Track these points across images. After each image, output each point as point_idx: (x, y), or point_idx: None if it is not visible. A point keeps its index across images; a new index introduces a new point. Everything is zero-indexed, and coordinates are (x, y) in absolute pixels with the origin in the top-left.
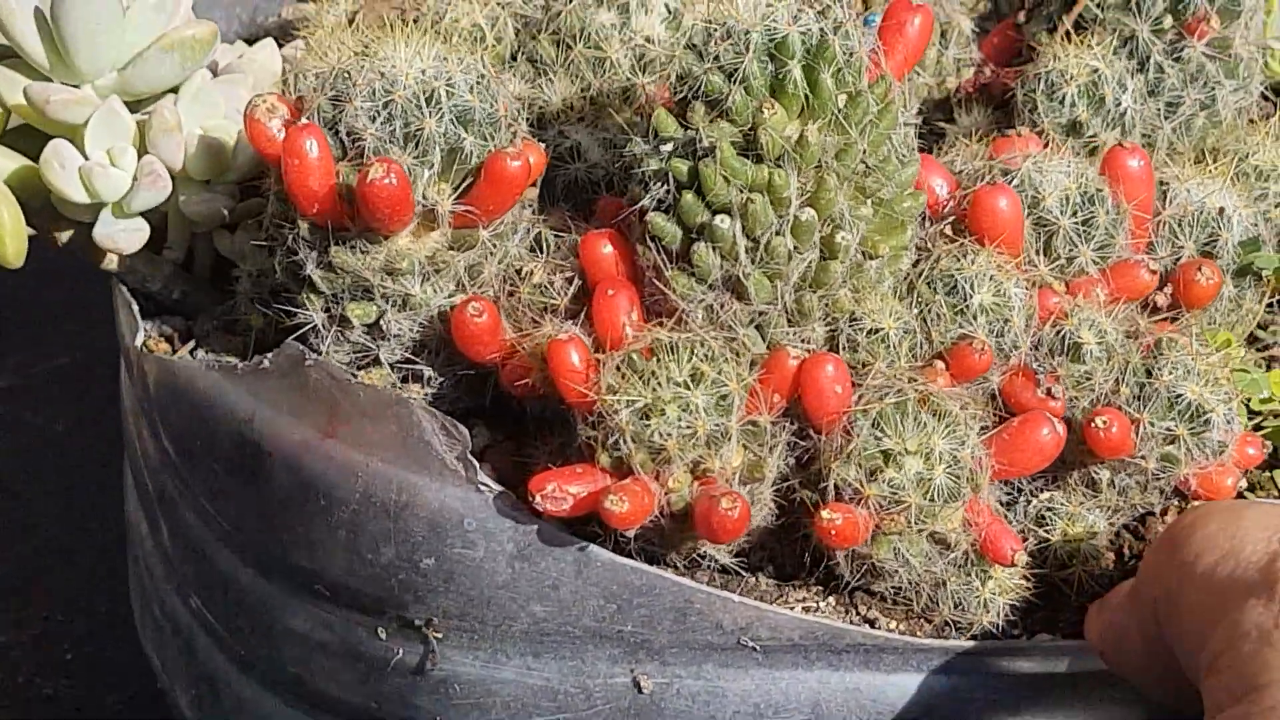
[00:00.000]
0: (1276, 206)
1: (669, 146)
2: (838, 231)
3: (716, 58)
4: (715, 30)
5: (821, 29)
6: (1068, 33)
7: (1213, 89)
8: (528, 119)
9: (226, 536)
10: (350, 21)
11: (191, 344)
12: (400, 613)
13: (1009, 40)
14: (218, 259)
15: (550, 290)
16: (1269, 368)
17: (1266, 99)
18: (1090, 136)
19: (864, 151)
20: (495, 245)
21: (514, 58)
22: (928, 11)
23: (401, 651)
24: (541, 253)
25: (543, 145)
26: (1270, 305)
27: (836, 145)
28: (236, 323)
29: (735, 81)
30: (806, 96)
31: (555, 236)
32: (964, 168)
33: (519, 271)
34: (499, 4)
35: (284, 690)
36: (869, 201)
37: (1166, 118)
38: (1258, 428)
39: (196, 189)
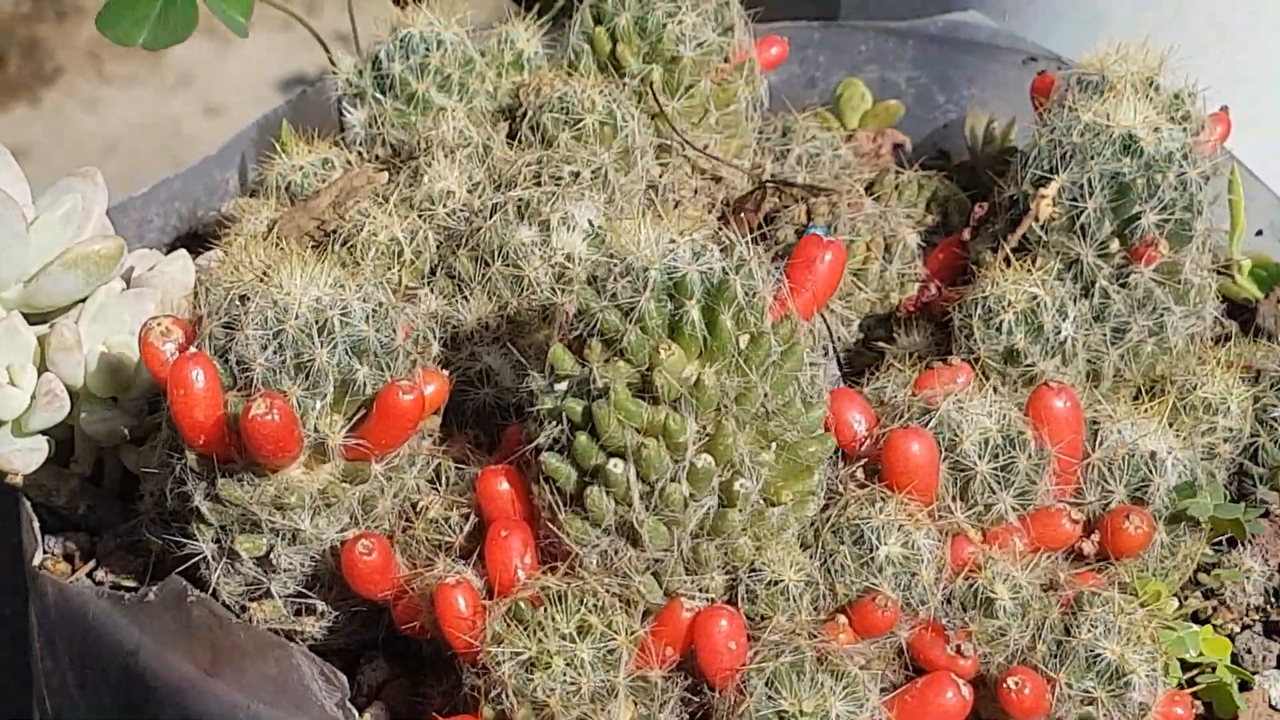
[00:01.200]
0: (1225, 441)
1: (564, 385)
2: (737, 478)
3: (614, 295)
4: (614, 266)
5: (723, 267)
6: (1009, 255)
7: (1161, 315)
8: (442, 338)
9: None
10: (269, 231)
11: (92, 564)
12: None
13: (954, 257)
14: (127, 473)
15: (446, 527)
16: (1213, 613)
17: (1222, 322)
18: (1028, 365)
19: (766, 394)
20: (390, 478)
21: (433, 272)
22: (839, 249)
23: None
24: (441, 485)
25: (450, 369)
26: (1218, 544)
27: (736, 388)
28: (138, 543)
29: (632, 320)
30: (705, 337)
31: (456, 469)
32: (892, 397)
33: (415, 506)
34: (421, 216)
35: None
36: (772, 446)
37: (1113, 344)
38: (1191, 682)
39: (98, 406)
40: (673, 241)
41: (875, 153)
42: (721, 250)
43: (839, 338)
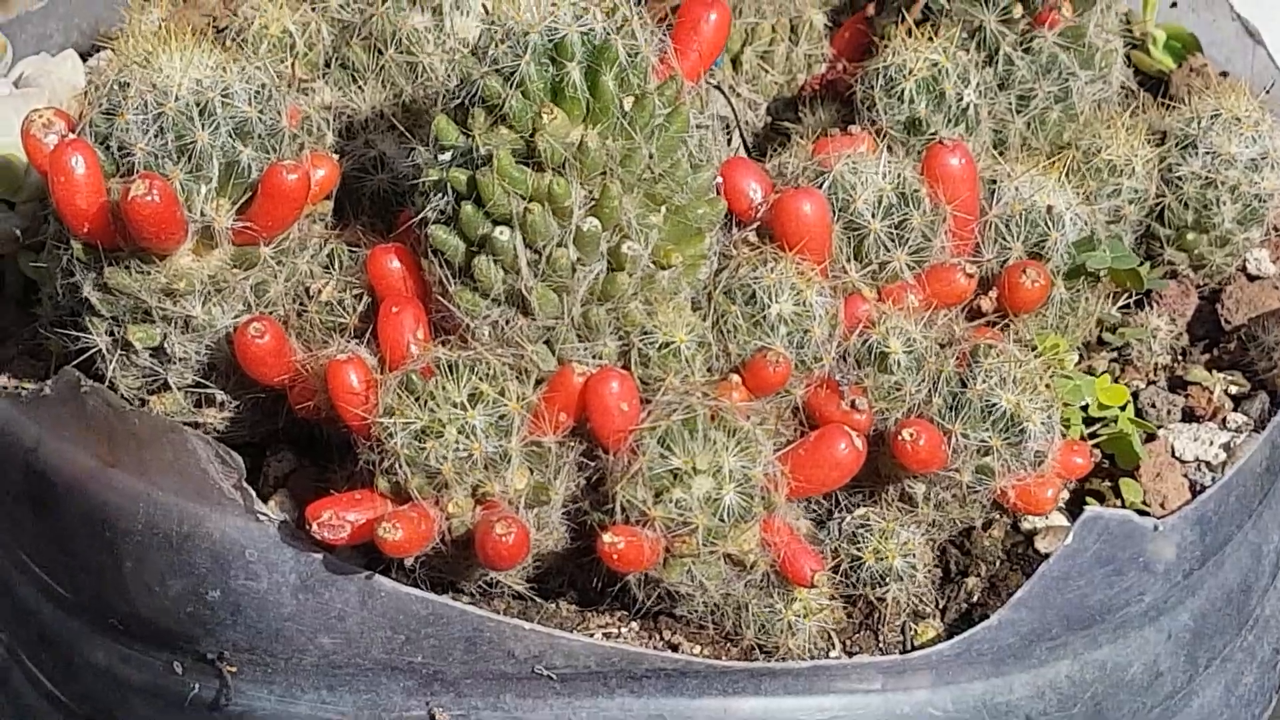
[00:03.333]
0: (1131, 202)
1: (448, 155)
2: (625, 241)
3: (495, 61)
4: (495, 32)
5: (605, 29)
6: (913, 26)
7: (1066, 81)
8: (337, 128)
9: (25, 569)
10: (160, 29)
11: None
12: (193, 646)
13: (860, 35)
14: (27, 280)
15: (339, 309)
16: (1121, 372)
17: (1134, 92)
18: (931, 134)
19: (651, 157)
20: (281, 263)
21: (328, 64)
22: (724, 7)
23: (198, 686)
24: (335, 269)
25: (345, 157)
26: (1125, 307)
27: (621, 150)
28: (39, 347)
29: (513, 86)
30: (588, 100)
31: (349, 252)
32: (794, 171)
33: (308, 290)
34: (314, 8)
35: None
36: (660, 209)
37: (1018, 112)
38: (1094, 435)
39: None
40: (554, 5)
41: None
42: (604, 13)
43: (747, 121)
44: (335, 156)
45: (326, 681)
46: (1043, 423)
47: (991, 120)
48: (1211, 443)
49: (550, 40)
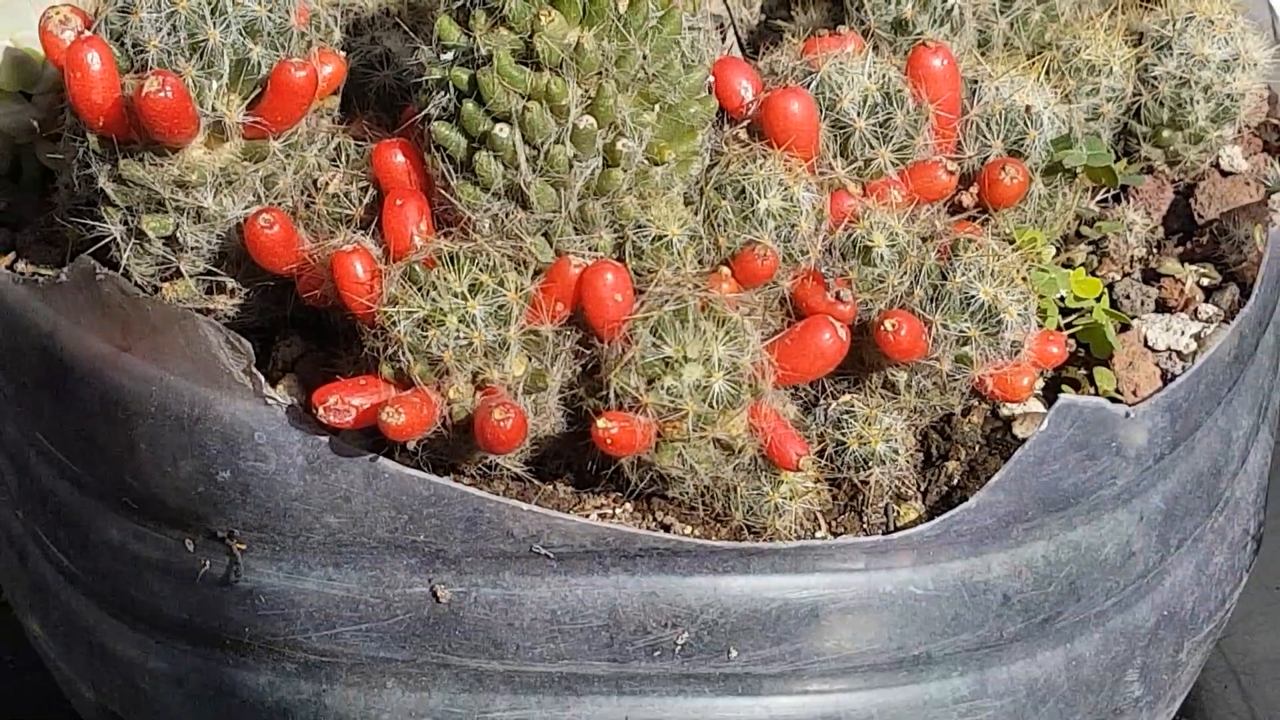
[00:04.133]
0: (1109, 101)
1: (450, 55)
2: (619, 138)
3: None
4: None
5: None
6: None
7: None
8: (344, 25)
9: (42, 450)
10: None
11: (12, 256)
12: (204, 525)
13: None
14: (45, 170)
15: (346, 200)
16: (1098, 265)
17: None
18: (917, 35)
19: (645, 58)
20: (290, 155)
21: None
22: None
23: (208, 563)
24: (341, 163)
25: (352, 54)
26: (1103, 201)
27: (616, 52)
28: (56, 234)
29: None
30: (584, 4)
31: (356, 146)
32: (784, 69)
33: (316, 182)
34: None
35: (106, 602)
36: (654, 108)
37: (1002, 12)
38: (1069, 326)
39: (7, 100)
40: None
41: None
42: None
43: (741, 19)
44: (342, 53)
45: (333, 559)
46: (1019, 314)
47: (976, 21)
48: (1183, 333)
49: None
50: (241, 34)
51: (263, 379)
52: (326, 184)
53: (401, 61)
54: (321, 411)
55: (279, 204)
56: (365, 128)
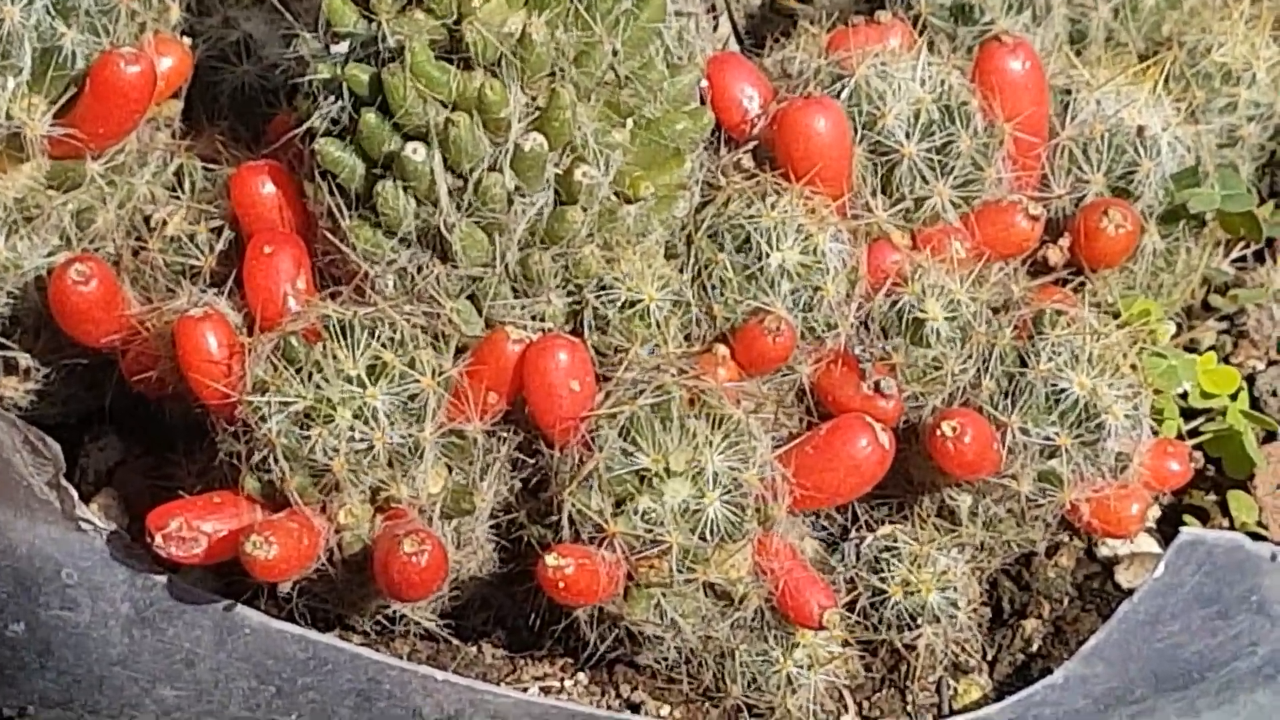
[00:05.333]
0: (1251, 120)
1: (344, 46)
2: (578, 165)
3: None
4: None
5: None
6: None
7: None
8: (187, 3)
9: None
10: None
11: None
12: None
13: None
14: None
15: (191, 246)
16: (1233, 348)
17: None
18: (986, 24)
19: (615, 54)
20: (113, 183)
21: None
22: None
23: None
24: (184, 192)
25: (197, 40)
26: (1241, 260)
27: (576, 45)
28: None
29: None
30: None
31: (204, 170)
32: (801, 68)
33: (149, 220)
34: None
35: None
36: (626, 122)
37: None
38: (1194, 433)
39: None
40: None
41: None
42: None
43: (739, 2)
44: (186, 41)
45: None
46: (1126, 415)
47: (1067, 7)
48: None
49: None
50: (49, 13)
51: (75, 495)
52: (164, 223)
53: (269, 53)
54: (159, 540)
55: (97, 250)
56: (218, 145)
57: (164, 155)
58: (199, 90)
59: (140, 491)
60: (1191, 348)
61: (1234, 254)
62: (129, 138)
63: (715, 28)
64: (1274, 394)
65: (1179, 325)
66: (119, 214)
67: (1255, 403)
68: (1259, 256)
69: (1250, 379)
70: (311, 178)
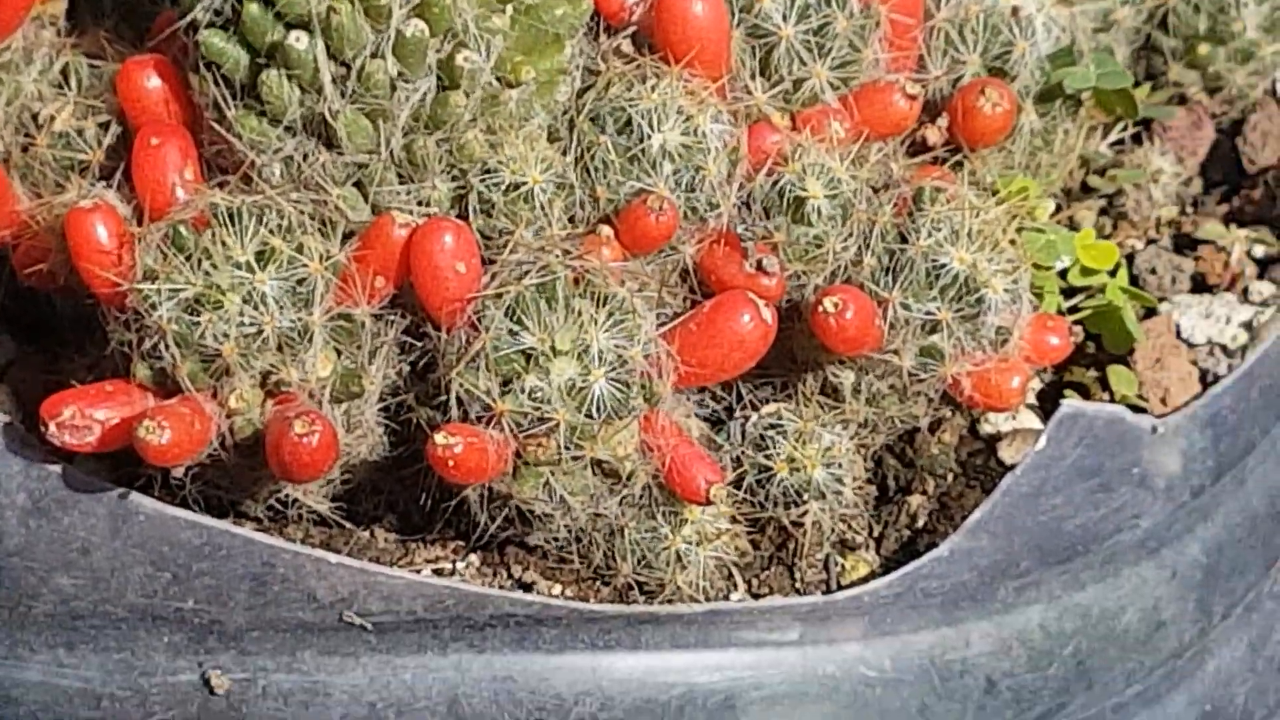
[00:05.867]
0: (1124, 3)
1: None
2: (460, 50)
3: None
4: None
5: None
6: None
7: None
8: None
9: None
10: None
11: None
12: None
13: None
14: None
15: (79, 140)
16: (1113, 229)
17: None
18: None
19: None
20: (0, 80)
21: None
22: None
23: None
24: (72, 89)
25: None
26: (1119, 142)
27: None
28: None
29: None
30: None
31: (90, 67)
32: None
33: (36, 117)
34: None
35: None
36: (506, 8)
37: None
38: (1075, 310)
39: None
40: None
41: None
42: None
43: None
44: None
45: (64, 637)
46: (1006, 289)
47: None
48: (1229, 320)
49: None
50: None
51: None
52: (52, 119)
53: None
54: (53, 430)
55: None
56: (104, 41)
57: (50, 53)
58: None
59: (35, 387)
60: (1071, 225)
61: (1112, 137)
62: (14, 36)
63: None
64: (1152, 271)
65: (1058, 204)
66: (6, 111)
67: (1135, 280)
68: (1137, 139)
69: (1130, 258)
70: (196, 70)
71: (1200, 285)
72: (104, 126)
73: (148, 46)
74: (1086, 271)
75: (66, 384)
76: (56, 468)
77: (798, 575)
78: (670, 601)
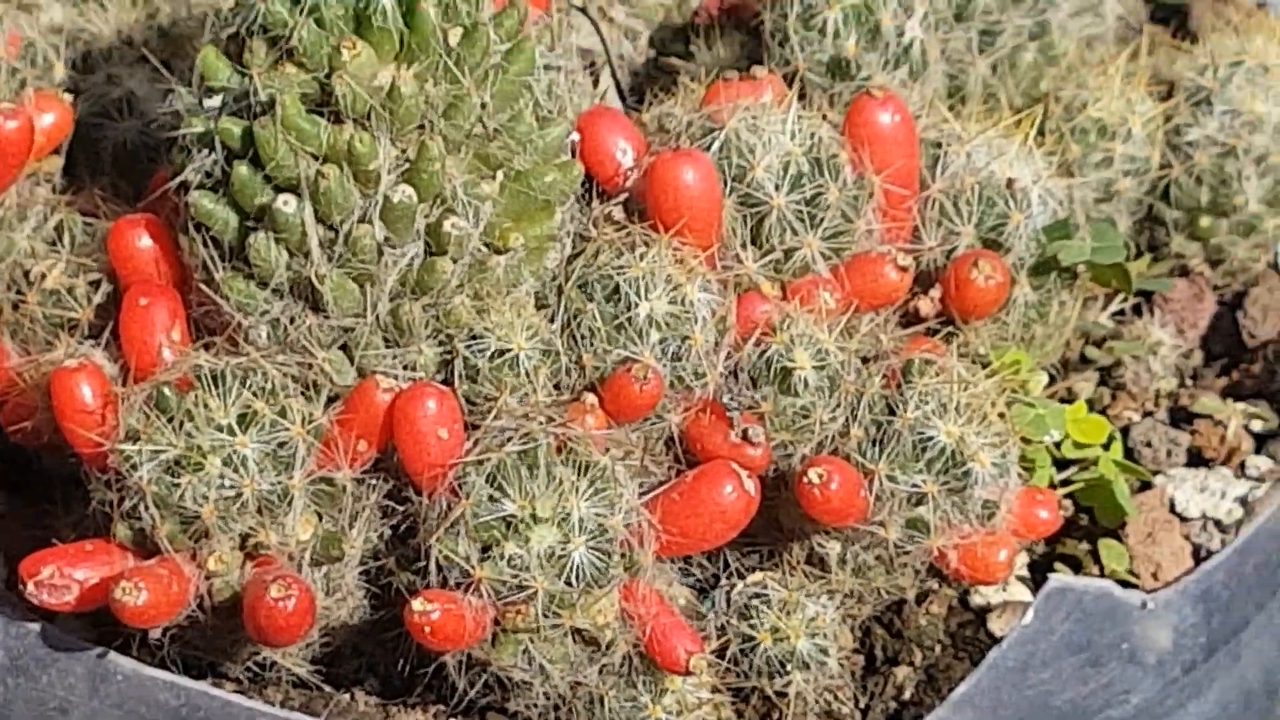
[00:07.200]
0: (1127, 174)
1: (217, 100)
2: (448, 216)
3: None
4: None
5: None
6: None
7: (1044, 12)
8: (69, 57)
9: None
10: None
11: None
12: None
13: None
14: None
15: (69, 299)
16: (1111, 400)
17: (1132, 27)
18: (863, 79)
19: (485, 107)
20: None
21: None
22: None
23: None
24: (64, 247)
25: (79, 97)
26: (1120, 313)
27: (445, 98)
28: None
29: (303, 10)
30: (402, 31)
31: (84, 225)
32: (677, 124)
33: (28, 274)
34: None
35: None
36: (496, 175)
37: (981, 51)
38: (1067, 482)
39: None
40: None
41: None
42: None
43: (621, 55)
44: (68, 96)
45: None
46: (994, 463)
47: (945, 63)
48: (1224, 494)
49: None
50: None
51: None
52: (43, 276)
53: (149, 109)
54: (31, 588)
55: None
56: (98, 200)
57: (44, 210)
58: (81, 145)
59: (19, 542)
60: (1069, 399)
61: (1112, 307)
62: (8, 192)
63: (595, 82)
64: (1148, 444)
65: (1053, 376)
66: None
67: (1130, 452)
68: (1137, 310)
69: (1125, 430)
70: (187, 230)
71: (1197, 459)
72: (95, 284)
73: (141, 205)
74: (1079, 445)
75: (50, 540)
76: (36, 626)
77: None
78: None
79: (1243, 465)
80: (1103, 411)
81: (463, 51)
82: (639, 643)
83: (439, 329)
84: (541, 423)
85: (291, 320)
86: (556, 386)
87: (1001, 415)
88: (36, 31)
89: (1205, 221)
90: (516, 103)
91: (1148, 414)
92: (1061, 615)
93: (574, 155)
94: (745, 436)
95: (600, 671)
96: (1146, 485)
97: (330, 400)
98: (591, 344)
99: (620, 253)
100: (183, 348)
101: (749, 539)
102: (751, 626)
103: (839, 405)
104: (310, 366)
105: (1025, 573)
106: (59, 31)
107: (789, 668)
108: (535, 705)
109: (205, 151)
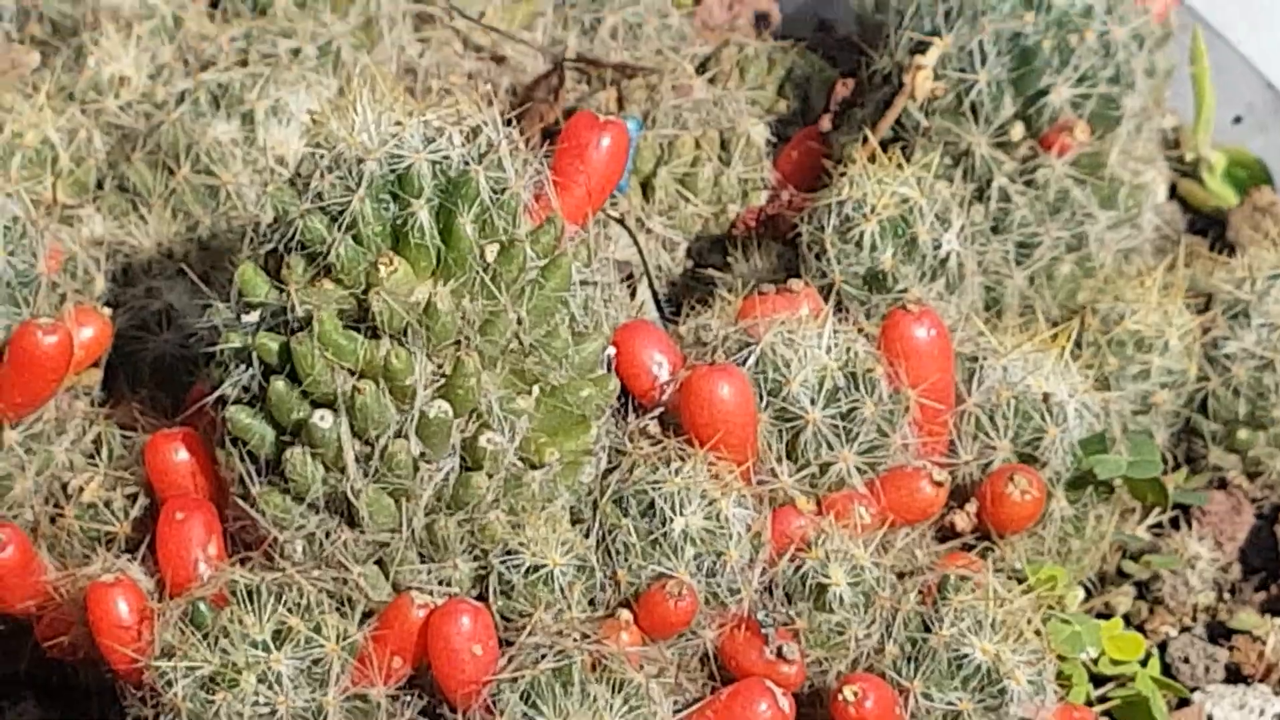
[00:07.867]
0: (1164, 387)
1: (255, 315)
2: (484, 431)
3: (320, 195)
4: (321, 156)
5: (464, 156)
6: (881, 145)
7: (1081, 224)
8: (109, 270)
9: None
10: None
11: None
12: None
13: (811, 155)
14: None
15: (107, 512)
16: (1149, 614)
17: (1169, 238)
18: (899, 291)
19: (521, 322)
20: (31, 450)
21: (100, 185)
22: (619, 131)
23: None
24: (102, 459)
25: (119, 310)
26: (1157, 526)
27: (481, 314)
28: None
29: (342, 228)
30: (439, 249)
31: (122, 438)
32: (713, 337)
33: (66, 487)
34: (83, 110)
35: None
36: (531, 390)
37: (1018, 263)
38: (1105, 698)
39: None
40: (398, 123)
41: (729, 24)
42: (463, 136)
43: (659, 266)
44: (107, 310)
45: None
46: (1030, 680)
47: (982, 275)
48: (1262, 712)
49: (392, 170)
50: None
51: None
52: (81, 489)
53: (188, 322)
54: None
55: (14, 517)
56: (136, 413)
57: (82, 423)
58: (121, 358)
59: None
60: (1106, 614)
61: (1149, 520)
62: (47, 406)
63: (633, 293)
64: (1185, 660)
65: (1090, 590)
66: (37, 481)
67: (1167, 668)
68: (1174, 523)
69: (1163, 646)
70: (223, 444)
71: (1235, 675)
72: (131, 498)
73: (178, 419)
74: (1116, 661)
75: None
76: None
77: None
78: None
79: None
80: (1140, 626)
81: (499, 268)
82: None
83: (474, 544)
84: (576, 640)
85: (327, 535)
86: (591, 602)
87: (1038, 632)
88: (78, 244)
89: (1243, 434)
90: (552, 318)
91: (1185, 629)
92: None
93: (610, 369)
94: (780, 654)
95: None
96: (1185, 702)
97: (365, 616)
98: (626, 560)
99: (655, 468)
100: (219, 562)
101: None
102: None
103: (874, 621)
104: (345, 582)
105: None
106: (100, 244)
107: None
108: None
109: (243, 366)
